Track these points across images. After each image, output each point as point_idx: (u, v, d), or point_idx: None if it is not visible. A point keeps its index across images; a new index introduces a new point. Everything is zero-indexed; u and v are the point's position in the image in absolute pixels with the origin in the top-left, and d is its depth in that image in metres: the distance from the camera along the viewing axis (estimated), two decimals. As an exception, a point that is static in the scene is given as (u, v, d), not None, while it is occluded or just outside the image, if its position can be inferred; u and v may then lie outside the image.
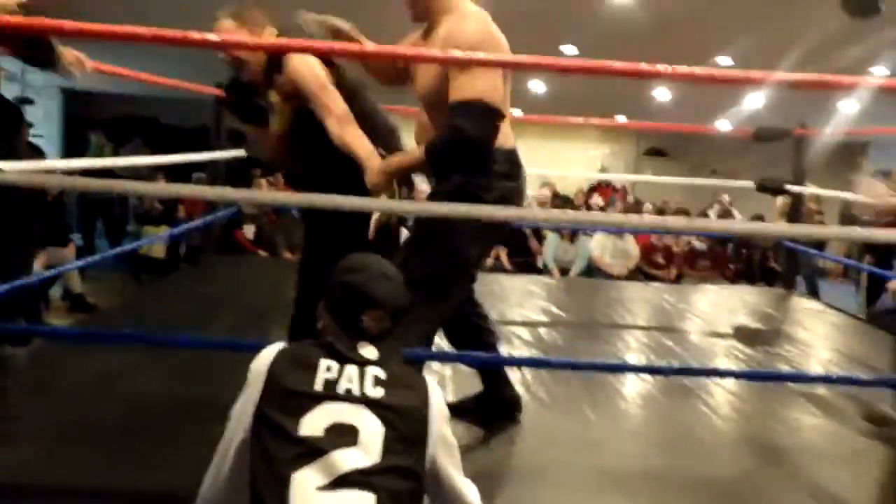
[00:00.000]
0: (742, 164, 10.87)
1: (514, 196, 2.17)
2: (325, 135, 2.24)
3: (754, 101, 10.43)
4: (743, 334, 4.09)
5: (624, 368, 3.17)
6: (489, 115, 2.00)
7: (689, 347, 3.78)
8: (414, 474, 1.38)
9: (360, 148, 2.20)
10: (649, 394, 3.01)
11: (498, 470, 2.24)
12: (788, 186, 5.00)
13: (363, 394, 1.38)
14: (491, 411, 2.56)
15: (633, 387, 3.06)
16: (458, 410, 2.44)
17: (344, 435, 1.34)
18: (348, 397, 1.37)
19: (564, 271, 7.07)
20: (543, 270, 6.99)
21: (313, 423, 1.34)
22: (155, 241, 7.16)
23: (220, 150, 4.80)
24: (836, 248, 11.41)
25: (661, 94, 10.63)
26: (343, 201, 1.98)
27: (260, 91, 2.40)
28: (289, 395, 1.37)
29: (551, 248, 7.10)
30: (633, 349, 3.69)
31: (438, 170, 2.16)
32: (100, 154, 8.99)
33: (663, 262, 7.80)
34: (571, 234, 7.14)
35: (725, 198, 9.99)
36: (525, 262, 7.04)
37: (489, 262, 6.43)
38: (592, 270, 7.21)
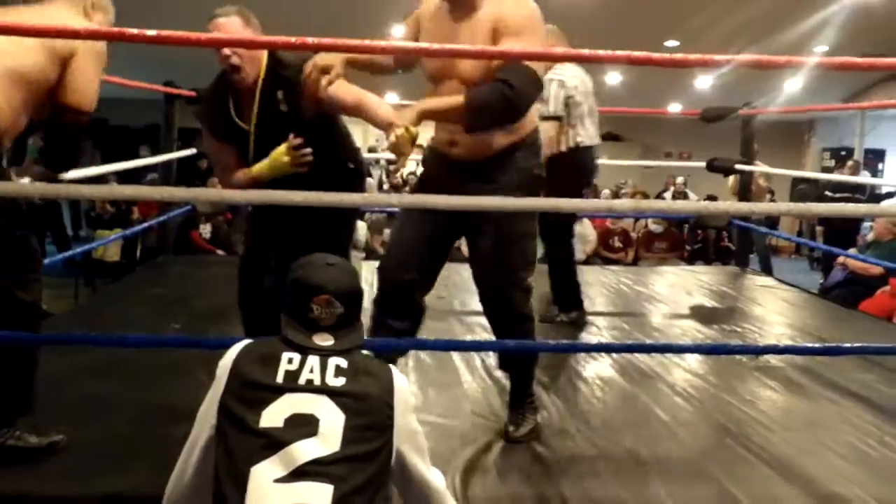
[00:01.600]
0: (696, 145, 11.06)
1: None
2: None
3: (703, 83, 10.60)
4: (700, 313, 4.17)
5: (580, 349, 3.21)
6: (535, 82, 2.12)
7: (648, 328, 3.83)
8: (376, 463, 1.37)
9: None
10: (609, 376, 3.04)
11: (461, 456, 2.24)
12: (738, 165, 5.09)
13: (324, 383, 1.38)
14: None
15: (594, 370, 3.09)
16: None
17: (303, 425, 1.33)
18: (309, 388, 1.37)
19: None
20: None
21: (273, 416, 1.34)
22: (105, 243, 7.00)
23: (170, 148, 4.72)
24: (788, 225, 11.69)
25: (613, 78, 10.72)
26: (312, 197, 1.95)
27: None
28: (251, 388, 1.37)
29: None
30: (593, 333, 3.73)
31: (474, 119, 2.12)
32: (38, 157, 8.79)
33: (620, 246, 7.89)
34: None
35: (680, 179, 10.14)
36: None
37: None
38: (551, 256, 7.25)
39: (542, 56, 1.99)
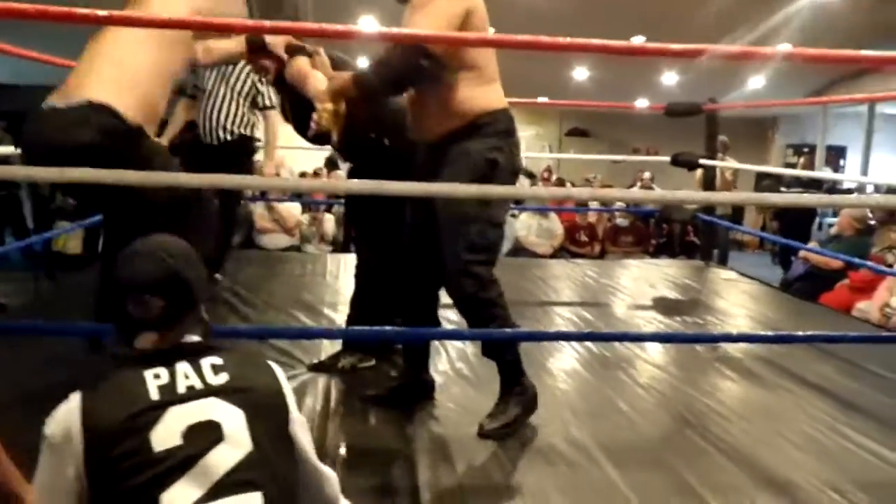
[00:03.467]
0: (663, 141, 11.16)
1: (517, 150, 2.39)
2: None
3: (669, 79, 10.71)
4: (663, 305, 4.21)
5: (538, 337, 3.22)
6: (417, 51, 2.18)
7: (612, 320, 3.87)
8: (287, 454, 1.29)
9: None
10: (572, 367, 3.06)
11: (421, 446, 2.25)
12: (702, 160, 5.15)
13: (207, 385, 1.24)
14: (409, 395, 2.59)
15: (557, 361, 3.11)
16: (377, 399, 2.51)
17: (206, 434, 1.20)
18: (192, 394, 1.23)
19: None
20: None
21: (166, 435, 1.18)
22: (63, 232, 6.84)
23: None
24: (752, 220, 11.86)
25: (580, 74, 10.79)
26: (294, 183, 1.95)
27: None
28: (122, 421, 1.19)
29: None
30: (558, 325, 3.75)
31: (360, 91, 2.30)
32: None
33: (587, 240, 7.95)
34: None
35: (647, 174, 10.22)
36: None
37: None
38: (518, 250, 7.30)
39: (528, 45, 1.99)
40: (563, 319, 3.82)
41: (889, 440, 2.40)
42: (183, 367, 1.25)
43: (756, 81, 10.58)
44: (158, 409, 1.20)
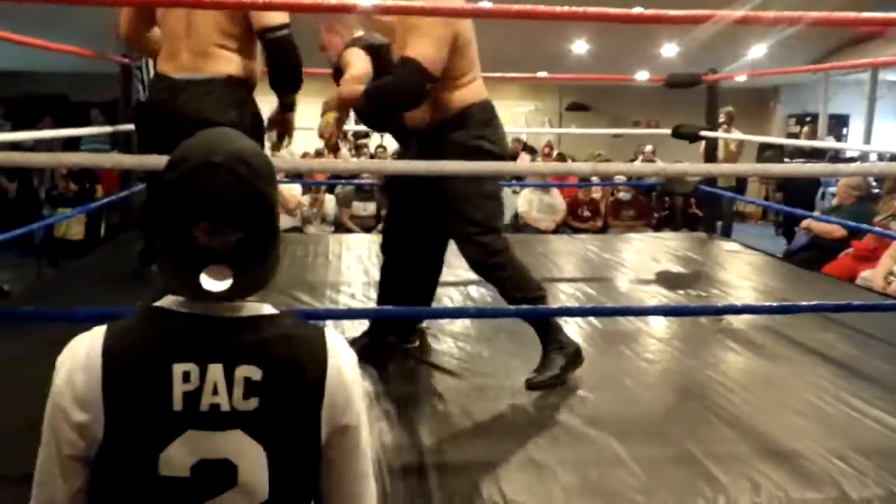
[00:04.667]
0: (664, 114, 11.11)
1: (499, 136, 2.63)
2: None
3: (669, 51, 10.62)
4: (666, 279, 4.21)
5: (542, 313, 3.22)
6: (422, 77, 2.41)
7: (614, 294, 3.87)
8: (311, 495, 1.10)
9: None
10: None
11: (425, 417, 2.26)
12: (703, 132, 5.12)
13: (233, 409, 1.02)
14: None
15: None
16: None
17: (217, 476, 1.01)
18: (215, 419, 1.01)
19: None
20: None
21: (176, 460, 1.00)
22: (64, 218, 6.84)
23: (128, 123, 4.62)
24: (754, 192, 11.82)
25: (579, 47, 10.70)
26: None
27: None
28: (136, 417, 1.00)
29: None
30: (562, 300, 3.73)
31: (369, 107, 2.61)
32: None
33: (589, 215, 7.93)
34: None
35: (648, 148, 10.18)
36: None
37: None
38: (521, 226, 7.29)
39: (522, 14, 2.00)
40: (566, 295, 3.81)
41: (893, 407, 2.41)
42: (214, 373, 1.01)
43: (757, 51, 10.49)
44: (177, 425, 1.01)
